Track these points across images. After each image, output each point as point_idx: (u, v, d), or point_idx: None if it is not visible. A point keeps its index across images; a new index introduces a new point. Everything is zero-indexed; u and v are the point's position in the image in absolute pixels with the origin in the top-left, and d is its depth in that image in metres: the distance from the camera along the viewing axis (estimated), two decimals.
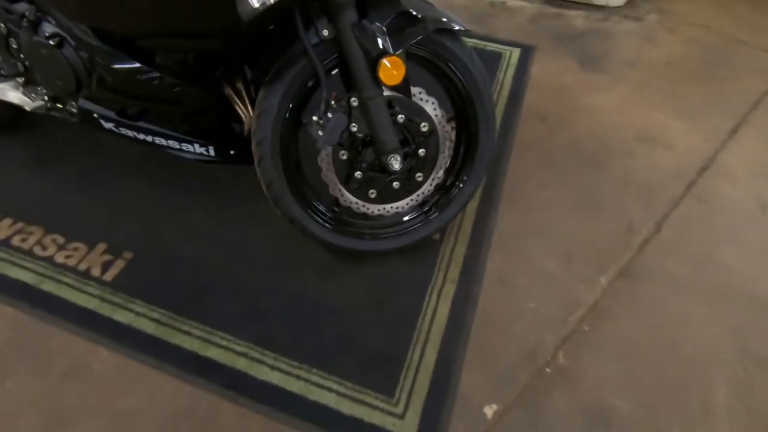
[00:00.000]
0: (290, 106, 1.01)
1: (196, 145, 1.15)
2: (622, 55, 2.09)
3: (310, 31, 0.92)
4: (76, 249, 1.31)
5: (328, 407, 1.03)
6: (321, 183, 1.15)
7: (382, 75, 0.92)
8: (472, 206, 1.45)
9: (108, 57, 0.97)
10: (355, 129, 1.02)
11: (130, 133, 1.14)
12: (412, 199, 1.20)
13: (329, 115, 0.96)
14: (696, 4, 2.41)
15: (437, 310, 1.21)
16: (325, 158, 1.08)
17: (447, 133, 1.13)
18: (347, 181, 1.12)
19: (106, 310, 1.19)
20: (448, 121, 1.14)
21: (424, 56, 1.03)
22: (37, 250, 1.30)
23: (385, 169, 1.06)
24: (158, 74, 0.97)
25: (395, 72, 0.92)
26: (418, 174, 1.15)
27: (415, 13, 0.93)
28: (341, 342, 1.15)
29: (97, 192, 1.45)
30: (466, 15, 2.29)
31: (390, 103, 1.05)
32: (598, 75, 1.98)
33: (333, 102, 0.96)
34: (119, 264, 1.28)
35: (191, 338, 1.15)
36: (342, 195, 1.14)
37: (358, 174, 1.11)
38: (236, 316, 1.19)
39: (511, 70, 1.96)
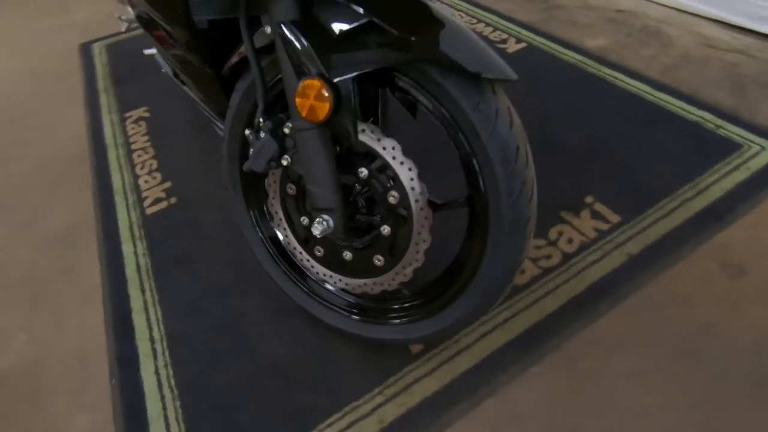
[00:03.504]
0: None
1: None
2: None
3: None
4: (155, 177, 1.50)
5: None
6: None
7: (297, 101, 0.63)
8: (500, 337, 0.95)
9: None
10: (285, 163, 0.76)
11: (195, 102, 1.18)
12: (366, 284, 0.85)
13: (261, 134, 0.74)
14: None
15: None
16: (272, 185, 0.86)
17: (426, 222, 0.73)
18: (294, 223, 0.88)
19: (124, 236, 1.33)
20: (437, 207, 0.74)
21: (423, 103, 0.67)
22: (139, 169, 1.55)
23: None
24: (174, 44, 0.94)
25: (312, 103, 0.62)
26: (377, 257, 0.80)
27: (395, 31, 0.59)
28: (222, 400, 0.95)
29: (213, 140, 1.57)
30: (722, 75, 1.50)
31: (366, 154, 0.73)
32: None
33: (260, 121, 0.73)
34: (163, 204, 1.41)
35: (140, 299, 1.16)
36: (286, 236, 0.91)
37: (304, 220, 0.85)
38: (182, 305, 1.13)
39: (738, 176, 1.19)
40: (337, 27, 0.61)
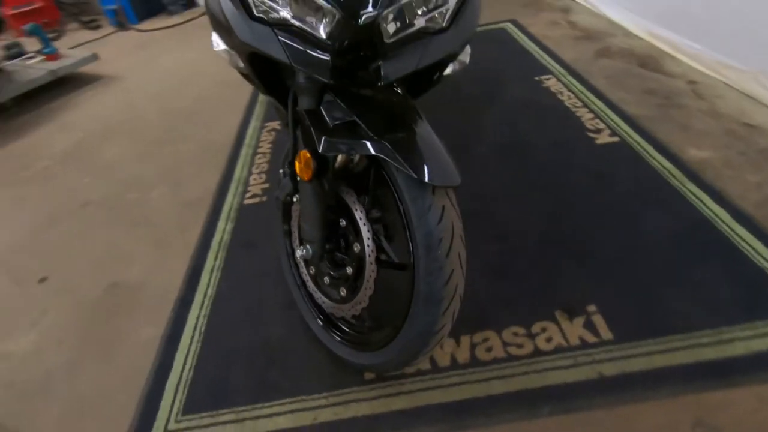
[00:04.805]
0: None
1: None
2: None
3: None
4: (261, 177, 1.94)
5: None
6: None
7: (296, 163, 0.88)
8: (439, 396, 1.06)
9: None
10: (295, 200, 1.02)
11: None
12: (334, 307, 1.07)
13: (286, 177, 1.02)
14: None
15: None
16: (295, 212, 1.13)
17: (372, 274, 0.92)
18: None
19: (223, 215, 1.77)
20: (392, 264, 0.91)
21: (389, 185, 0.87)
22: (254, 168, 2.01)
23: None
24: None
25: (302, 167, 0.86)
26: (342, 289, 1.01)
27: (364, 125, 0.81)
28: (224, 355, 1.26)
29: None
30: None
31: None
32: None
33: (285, 166, 1.00)
34: (256, 199, 1.82)
35: (212, 263, 1.56)
36: (295, 251, 1.17)
37: None
38: (235, 277, 1.49)
39: None
40: (332, 118, 0.85)
